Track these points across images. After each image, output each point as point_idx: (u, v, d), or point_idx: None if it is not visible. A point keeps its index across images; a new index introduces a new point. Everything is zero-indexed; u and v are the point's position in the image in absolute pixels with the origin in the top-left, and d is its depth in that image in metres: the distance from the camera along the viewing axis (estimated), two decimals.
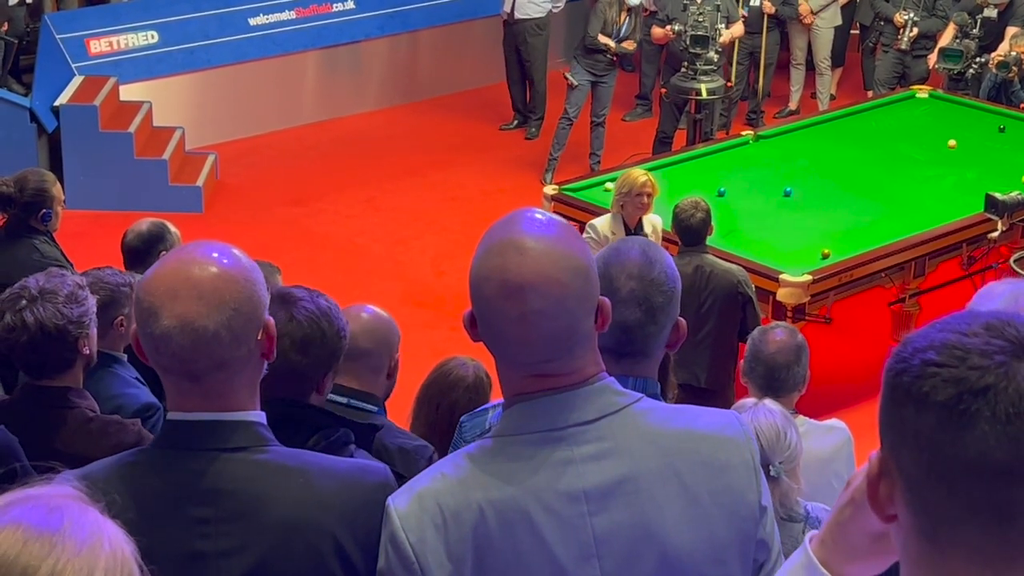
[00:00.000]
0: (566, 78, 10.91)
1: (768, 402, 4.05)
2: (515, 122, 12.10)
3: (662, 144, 10.55)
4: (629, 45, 10.76)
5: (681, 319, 2.46)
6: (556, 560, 1.96)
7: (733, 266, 6.81)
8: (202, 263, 2.08)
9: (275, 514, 2.07)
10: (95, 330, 3.64)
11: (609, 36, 10.63)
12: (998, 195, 7.38)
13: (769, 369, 4.68)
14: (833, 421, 4.70)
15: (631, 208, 7.30)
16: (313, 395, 2.77)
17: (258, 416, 2.15)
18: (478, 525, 1.96)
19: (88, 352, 3.59)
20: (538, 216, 2.05)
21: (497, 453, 2.02)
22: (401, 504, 2.00)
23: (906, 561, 1.35)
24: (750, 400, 4.01)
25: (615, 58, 10.75)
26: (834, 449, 4.07)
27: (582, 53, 10.81)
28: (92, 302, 3.63)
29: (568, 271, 1.99)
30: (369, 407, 3.29)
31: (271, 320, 2.13)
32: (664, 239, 7.27)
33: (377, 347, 3.23)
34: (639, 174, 7.43)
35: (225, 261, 2.10)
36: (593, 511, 1.98)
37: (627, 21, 10.73)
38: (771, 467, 3.62)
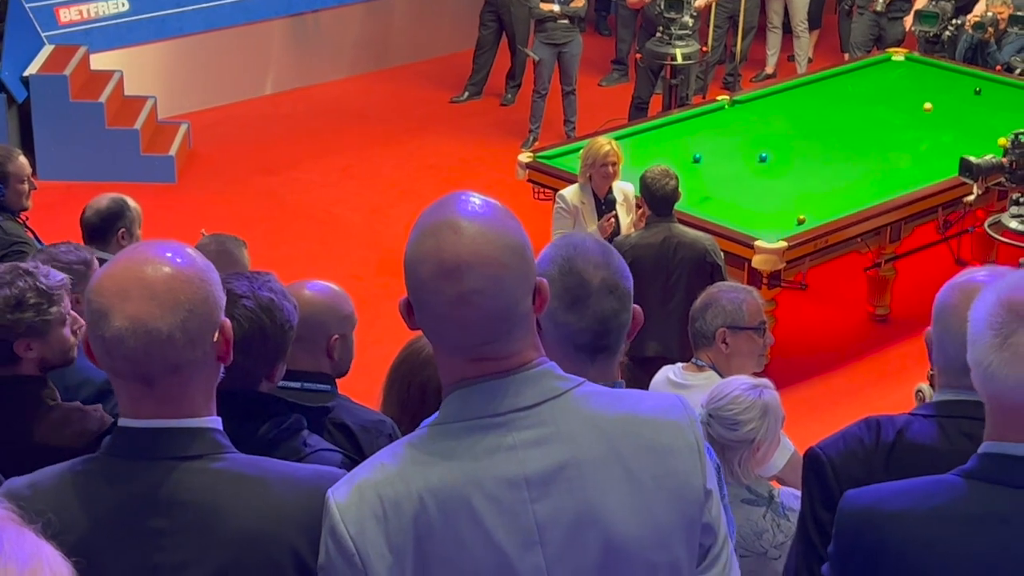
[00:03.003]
0: (528, 54, 10.86)
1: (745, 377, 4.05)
2: (465, 94, 12.02)
3: (638, 110, 10.51)
4: (578, 3, 10.67)
5: (636, 307, 2.44)
6: (498, 547, 1.94)
7: (701, 234, 6.77)
8: (155, 263, 2.00)
9: (233, 525, 2.01)
10: (61, 332, 3.42)
11: (552, 2, 10.57)
12: (973, 159, 7.34)
13: None
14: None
15: (598, 178, 7.25)
16: (264, 383, 2.72)
17: (214, 422, 2.08)
18: (419, 515, 1.93)
19: (35, 356, 3.39)
20: (472, 198, 2.02)
21: (437, 441, 1.99)
22: (341, 496, 1.96)
23: None
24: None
25: (570, 21, 10.68)
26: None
27: (537, 27, 10.81)
28: (53, 307, 3.39)
29: (504, 249, 1.96)
30: (323, 387, 3.24)
31: (227, 321, 2.07)
32: (637, 205, 7.21)
33: (309, 330, 3.12)
34: (603, 143, 7.35)
35: (179, 260, 2.02)
36: (535, 497, 1.95)
37: None
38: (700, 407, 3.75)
